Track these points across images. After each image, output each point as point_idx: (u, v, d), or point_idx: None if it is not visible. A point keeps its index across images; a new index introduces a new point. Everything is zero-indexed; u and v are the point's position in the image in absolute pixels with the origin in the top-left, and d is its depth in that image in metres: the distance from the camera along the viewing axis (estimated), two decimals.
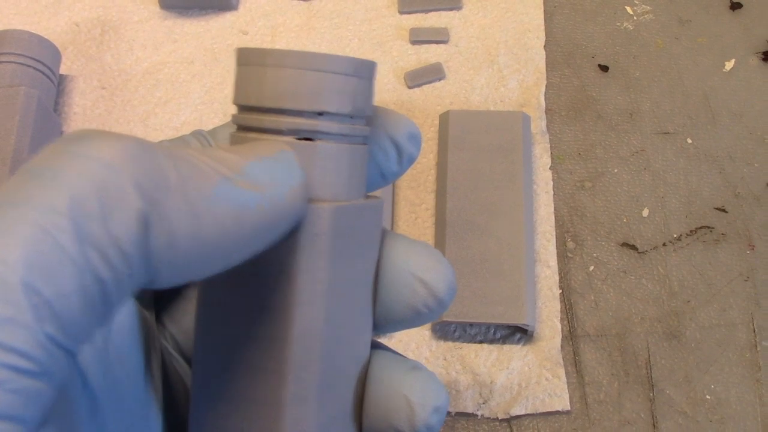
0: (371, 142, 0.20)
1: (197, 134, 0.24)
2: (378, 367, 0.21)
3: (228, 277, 0.19)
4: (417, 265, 0.20)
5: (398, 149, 0.21)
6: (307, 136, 0.18)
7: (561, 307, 0.41)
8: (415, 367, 0.21)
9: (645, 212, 0.44)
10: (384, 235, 0.21)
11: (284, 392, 0.18)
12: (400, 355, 0.22)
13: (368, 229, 0.20)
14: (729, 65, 0.49)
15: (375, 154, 0.21)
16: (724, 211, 0.44)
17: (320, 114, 0.18)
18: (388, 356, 0.21)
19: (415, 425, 0.20)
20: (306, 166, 0.18)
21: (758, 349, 0.40)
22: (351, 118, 0.19)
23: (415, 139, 0.21)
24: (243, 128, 0.19)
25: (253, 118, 0.18)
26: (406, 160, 0.21)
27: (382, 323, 0.21)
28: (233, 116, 0.19)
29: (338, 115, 0.18)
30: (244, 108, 0.19)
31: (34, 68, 0.45)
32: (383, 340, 0.39)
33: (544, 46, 0.49)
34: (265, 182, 0.17)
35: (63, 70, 0.49)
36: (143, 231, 0.14)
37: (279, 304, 0.18)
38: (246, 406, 0.19)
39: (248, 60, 0.18)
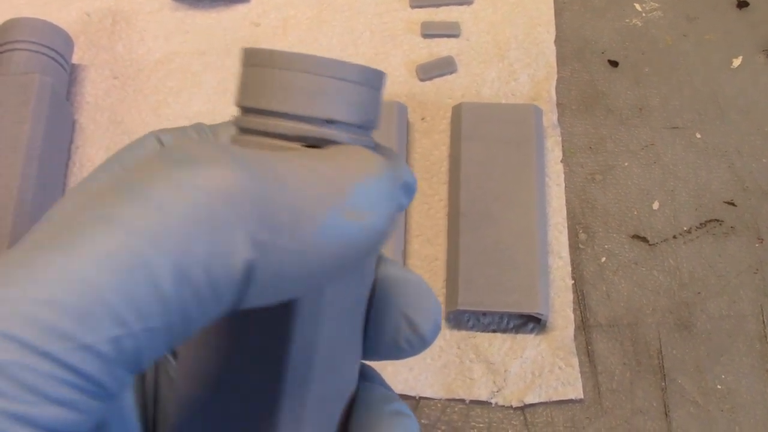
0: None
1: (199, 128, 0.22)
2: (362, 405, 0.20)
3: None
4: (407, 303, 0.20)
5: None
6: (315, 144, 0.17)
7: (573, 298, 0.41)
8: (399, 412, 0.20)
9: (655, 205, 0.44)
10: (379, 261, 0.20)
11: (279, 414, 0.18)
12: (388, 391, 0.21)
13: None
14: (736, 62, 0.49)
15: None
16: (733, 204, 0.44)
17: (330, 122, 0.17)
18: (374, 394, 0.20)
19: None
20: None
21: (767, 340, 0.40)
22: (359, 128, 0.18)
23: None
24: (245, 131, 0.18)
25: (258, 122, 0.17)
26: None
27: (367, 353, 0.20)
28: (235, 118, 0.18)
29: (347, 125, 0.18)
30: (248, 110, 0.18)
31: (48, 56, 0.45)
32: None
33: (554, 41, 0.49)
34: (368, 208, 0.15)
35: (74, 59, 0.49)
36: (246, 278, 0.13)
37: (277, 325, 0.18)
38: (236, 427, 0.18)
39: (255, 61, 0.18)
